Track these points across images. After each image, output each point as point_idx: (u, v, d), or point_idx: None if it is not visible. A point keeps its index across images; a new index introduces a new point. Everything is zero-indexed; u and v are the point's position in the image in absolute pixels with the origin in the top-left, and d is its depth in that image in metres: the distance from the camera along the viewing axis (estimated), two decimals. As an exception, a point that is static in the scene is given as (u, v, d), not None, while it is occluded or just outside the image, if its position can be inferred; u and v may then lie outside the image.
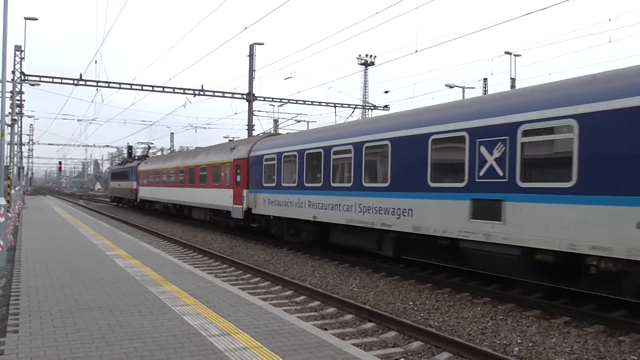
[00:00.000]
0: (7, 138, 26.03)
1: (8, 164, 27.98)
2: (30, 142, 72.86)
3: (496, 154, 9.63)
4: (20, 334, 5.89)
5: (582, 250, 8.14)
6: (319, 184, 15.14)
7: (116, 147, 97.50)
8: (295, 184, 16.47)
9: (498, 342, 7.72)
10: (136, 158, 46.78)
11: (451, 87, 38.16)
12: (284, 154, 17.30)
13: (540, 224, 8.77)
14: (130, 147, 53.21)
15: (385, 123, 13.00)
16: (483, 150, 9.90)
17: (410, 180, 11.73)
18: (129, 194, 41.02)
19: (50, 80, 30.02)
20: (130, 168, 41.54)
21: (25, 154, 66.72)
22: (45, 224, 20.66)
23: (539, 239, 8.78)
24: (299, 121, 41.18)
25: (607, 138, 7.98)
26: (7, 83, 19.17)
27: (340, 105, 36.90)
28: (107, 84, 30.33)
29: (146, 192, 35.36)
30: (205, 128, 63.63)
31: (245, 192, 19.91)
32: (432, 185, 11.10)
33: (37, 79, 30.31)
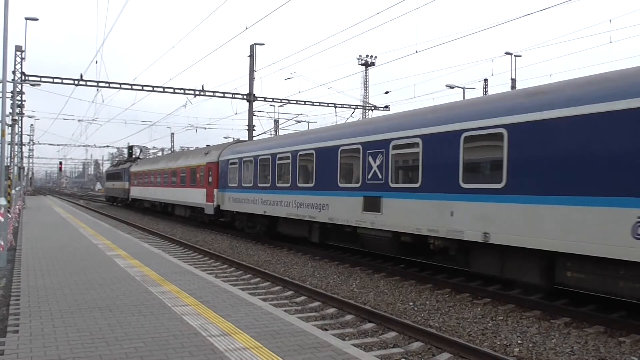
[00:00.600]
0: (8, 138, 26.03)
1: (8, 164, 27.99)
2: (31, 142, 72.80)
3: (377, 162, 12.78)
4: (21, 334, 5.89)
5: (423, 232, 11.29)
6: (268, 185, 18.38)
7: (117, 148, 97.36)
8: (251, 185, 19.72)
9: (498, 343, 7.72)
10: (130, 160, 49.59)
11: (452, 87, 38.19)
12: (243, 159, 20.65)
13: (402, 214, 11.93)
14: (130, 148, 53.59)
15: (312, 136, 16.37)
16: (370, 159, 13.05)
17: (327, 182, 14.95)
18: (122, 194, 44.06)
19: (51, 80, 30.03)
20: (123, 169, 44.97)
21: (25, 154, 66.62)
22: (46, 224, 20.67)
23: (401, 224, 11.96)
24: (299, 121, 41.20)
25: (436, 152, 11.02)
26: (7, 83, 19.18)
27: (340, 105, 36.89)
28: (107, 84, 30.34)
29: (137, 192, 38.84)
30: (205, 128, 63.59)
31: (215, 191, 22.96)
32: (340, 185, 14.28)
33: (38, 79, 30.33)
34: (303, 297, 10.76)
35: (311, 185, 15.60)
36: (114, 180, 48.96)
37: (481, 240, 9.82)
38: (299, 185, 16.27)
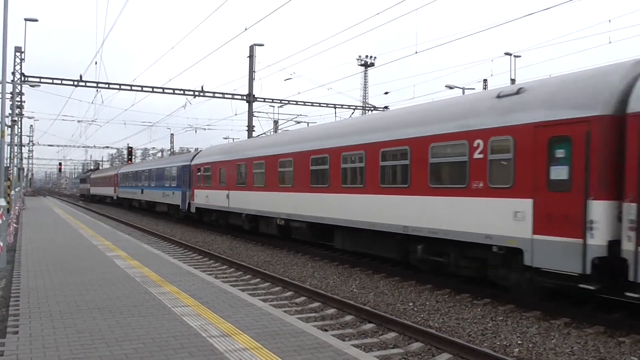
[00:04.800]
0: (7, 139, 26.03)
1: (8, 165, 27.98)
2: (30, 143, 72.78)
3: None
4: (20, 335, 5.89)
5: (156, 200, 34.83)
6: (132, 184, 41.55)
7: (116, 148, 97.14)
8: (127, 185, 43.66)
9: (498, 343, 7.72)
10: (92, 170, 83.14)
11: (451, 88, 38.11)
12: (125, 172, 45.11)
13: (151, 195, 36.03)
14: (130, 149, 53.80)
15: (145, 164, 43.28)
16: (163, 175, 32.81)
17: (143, 183, 38.51)
18: (87, 192, 69.81)
19: (50, 81, 30.00)
20: (87, 176, 73.88)
21: (25, 155, 66.68)
22: (45, 225, 20.66)
23: (151, 198, 35.97)
24: (298, 122, 41.14)
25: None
26: (7, 84, 19.16)
27: (340, 106, 36.90)
28: (107, 85, 30.32)
29: (93, 190, 64.44)
30: (205, 129, 63.35)
31: (118, 188, 48.13)
32: (145, 184, 37.85)
33: (37, 80, 30.28)
34: (303, 298, 10.76)
35: (140, 184, 38.82)
36: (83, 184, 77.53)
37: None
38: (137, 185, 39.46)
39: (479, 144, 9.98)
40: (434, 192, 11.01)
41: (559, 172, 8.54)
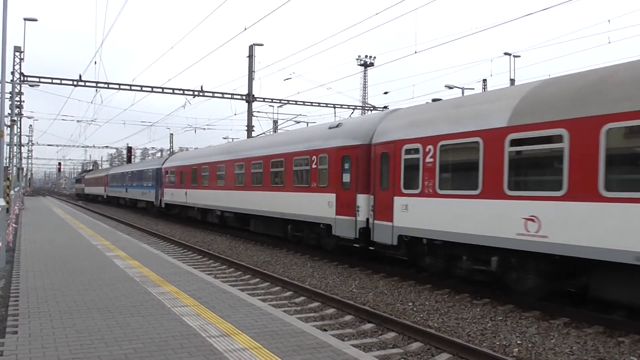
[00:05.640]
0: (7, 139, 26.00)
1: (7, 165, 27.95)
2: (30, 143, 72.86)
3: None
4: (20, 335, 5.89)
5: (137, 197, 41.04)
6: (120, 184, 46.98)
7: (115, 148, 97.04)
8: (115, 185, 49.30)
9: (497, 343, 7.72)
10: (85, 171, 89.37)
11: (450, 87, 38.09)
12: (114, 174, 50.61)
13: (136, 193, 40.84)
14: (129, 149, 53.88)
15: (123, 167, 50.64)
16: (135, 177, 41.81)
17: (123, 184, 46.50)
18: (82, 192, 75.31)
19: (50, 81, 30.00)
20: (82, 177, 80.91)
21: (24, 154, 66.70)
22: (45, 225, 20.64)
23: (135, 197, 41.37)
24: (298, 122, 41.15)
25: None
26: (6, 84, 19.14)
27: (339, 106, 36.90)
28: (106, 85, 30.31)
29: (88, 190, 69.91)
30: (204, 129, 63.31)
31: (107, 187, 53.42)
32: (127, 185, 45.41)
33: (37, 79, 30.28)
34: (302, 298, 10.75)
35: (124, 184, 44.30)
36: (79, 184, 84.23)
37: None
38: (123, 185, 44.71)
39: (314, 158, 15.37)
40: (296, 189, 16.36)
41: (346, 177, 13.88)
